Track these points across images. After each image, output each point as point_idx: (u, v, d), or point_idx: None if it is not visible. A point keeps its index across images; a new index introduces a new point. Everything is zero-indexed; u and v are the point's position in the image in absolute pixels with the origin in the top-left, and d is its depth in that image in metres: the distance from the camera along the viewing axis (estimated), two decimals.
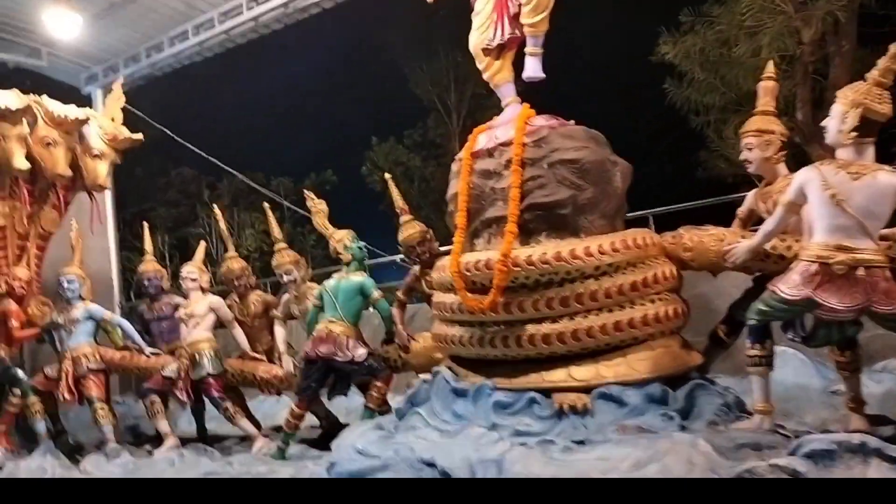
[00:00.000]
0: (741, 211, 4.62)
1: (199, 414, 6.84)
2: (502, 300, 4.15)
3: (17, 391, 6.65)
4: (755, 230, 4.32)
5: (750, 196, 4.55)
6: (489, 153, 4.59)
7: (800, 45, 8.41)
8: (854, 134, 3.45)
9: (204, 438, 6.71)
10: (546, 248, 4.13)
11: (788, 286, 3.56)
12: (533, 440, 3.82)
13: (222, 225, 6.96)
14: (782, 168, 4.31)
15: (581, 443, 3.74)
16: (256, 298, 6.70)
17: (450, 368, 4.64)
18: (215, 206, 7.20)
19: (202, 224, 16.86)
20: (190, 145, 11.43)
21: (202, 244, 7.09)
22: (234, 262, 6.73)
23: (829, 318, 3.61)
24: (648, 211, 6.13)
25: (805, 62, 8.46)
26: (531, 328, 4.15)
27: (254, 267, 7.67)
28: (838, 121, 3.52)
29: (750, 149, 4.32)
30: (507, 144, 4.48)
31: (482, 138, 4.70)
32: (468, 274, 4.31)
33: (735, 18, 8.88)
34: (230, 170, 12.24)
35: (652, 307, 4.18)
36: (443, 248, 5.74)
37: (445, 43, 15.68)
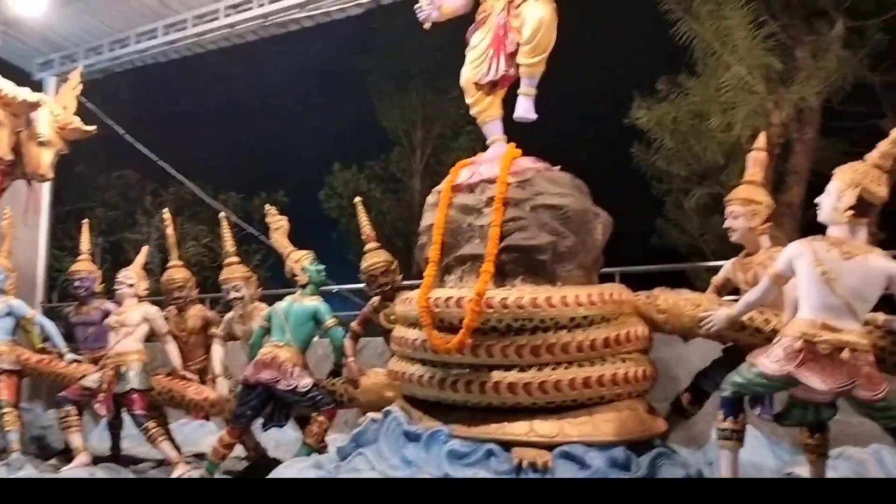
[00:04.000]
0: (717, 279, 4.54)
1: (115, 431, 6.34)
2: (470, 342, 3.92)
3: None
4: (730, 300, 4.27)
5: (728, 265, 4.47)
6: (470, 188, 4.41)
7: (769, 126, 8.61)
8: (849, 213, 3.39)
9: (117, 458, 6.21)
10: (522, 293, 3.93)
11: (770, 361, 3.43)
12: None
13: (170, 231, 6.54)
14: (765, 240, 4.25)
15: None
16: (196, 313, 6.33)
17: (402, 409, 4.35)
18: (166, 210, 6.78)
19: (140, 231, 16.17)
20: (141, 147, 10.97)
21: (145, 249, 6.65)
22: (177, 272, 6.36)
23: (806, 398, 3.52)
24: (616, 269, 6.05)
25: (772, 144, 8.66)
26: (497, 375, 3.92)
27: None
28: (834, 198, 3.45)
29: (735, 217, 4.25)
30: (490, 182, 4.31)
31: (464, 172, 4.53)
32: (437, 310, 4.08)
33: (710, 93, 9.08)
34: (180, 177, 11.79)
35: (622, 366, 4.01)
36: (406, 282, 5.53)
37: (418, 80, 15.70)
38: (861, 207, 3.39)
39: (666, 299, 4.26)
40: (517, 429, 3.90)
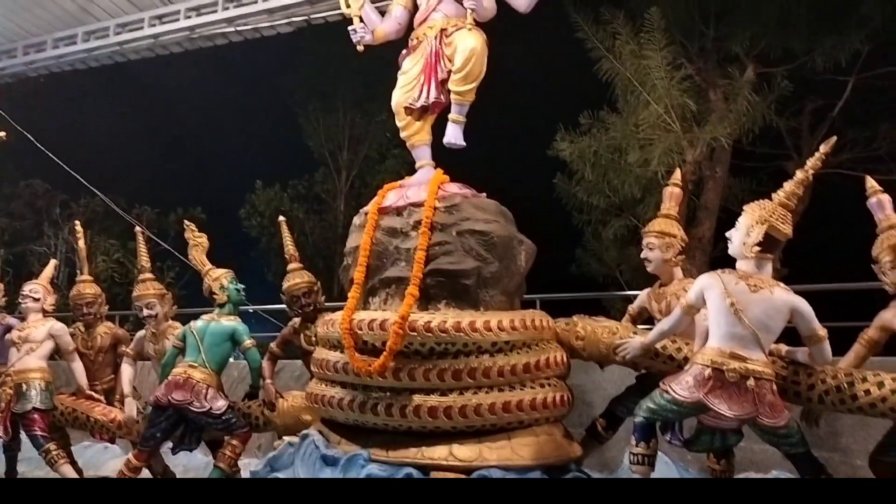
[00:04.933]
0: (633, 308, 4.69)
1: (11, 453, 5.96)
2: (393, 365, 3.90)
3: None
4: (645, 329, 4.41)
5: (643, 295, 4.63)
6: (398, 211, 4.43)
7: (683, 163, 9.02)
8: (757, 248, 3.58)
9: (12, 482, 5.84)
10: (446, 317, 3.95)
11: (681, 387, 3.56)
12: None
13: (81, 244, 6.26)
14: (678, 271, 4.42)
15: None
16: (105, 330, 6.06)
17: (321, 432, 4.29)
18: (77, 223, 6.49)
19: (47, 243, 15.40)
20: (52, 156, 10.51)
21: (52, 262, 6.35)
22: (86, 287, 6.08)
23: (714, 424, 3.66)
24: (537, 295, 6.17)
25: (686, 180, 9.06)
26: (418, 398, 3.91)
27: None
28: (743, 233, 3.64)
29: (651, 248, 4.41)
30: (417, 205, 4.34)
31: (391, 195, 4.54)
32: (360, 332, 4.05)
33: (629, 129, 9.44)
34: (92, 189, 11.34)
35: (541, 391, 4.07)
36: (327, 304, 5.47)
37: (346, 101, 15.65)
38: (768, 243, 3.59)
39: (584, 326, 4.38)
40: (436, 453, 3.90)
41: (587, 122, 10.03)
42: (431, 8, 4.66)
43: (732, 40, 9.83)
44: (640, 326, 4.56)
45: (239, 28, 8.35)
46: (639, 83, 9.40)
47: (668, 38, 9.24)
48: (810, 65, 9.68)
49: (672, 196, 4.59)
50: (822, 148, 3.70)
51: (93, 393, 5.74)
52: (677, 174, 4.71)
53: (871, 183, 3.94)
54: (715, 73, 9.98)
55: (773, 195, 3.69)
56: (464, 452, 3.90)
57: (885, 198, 3.88)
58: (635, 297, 4.76)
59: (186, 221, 5.70)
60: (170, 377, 4.98)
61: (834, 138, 3.81)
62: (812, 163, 3.70)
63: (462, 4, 4.53)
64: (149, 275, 5.76)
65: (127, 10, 8.72)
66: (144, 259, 5.86)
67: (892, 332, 3.79)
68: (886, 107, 10.13)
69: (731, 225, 3.75)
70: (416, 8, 4.79)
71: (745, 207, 3.72)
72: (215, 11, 8.28)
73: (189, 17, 8.44)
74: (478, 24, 4.53)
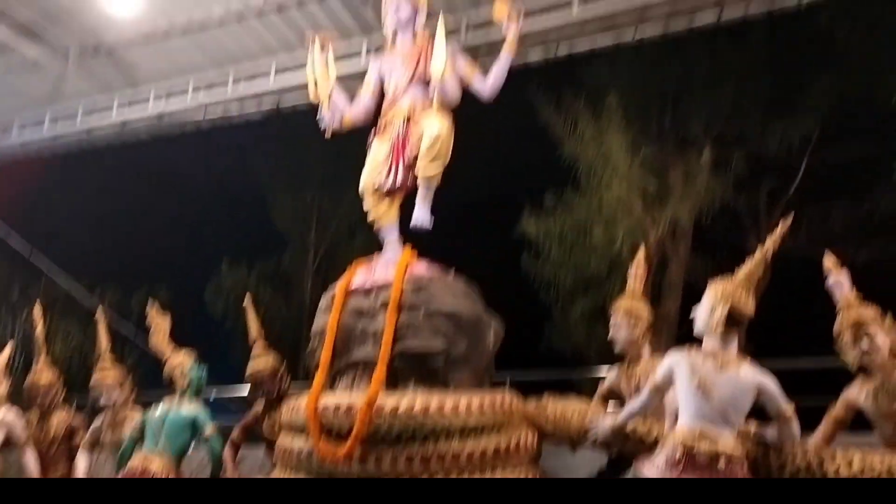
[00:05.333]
0: (602, 388, 4.66)
1: None
2: (359, 451, 3.80)
3: None
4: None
5: (612, 374, 4.61)
6: (365, 292, 4.40)
7: (646, 241, 9.20)
8: (721, 326, 3.60)
9: None
10: (414, 400, 3.88)
11: (653, 469, 3.51)
12: None
13: (40, 329, 6.11)
14: (647, 349, 4.43)
15: None
16: (61, 419, 5.83)
17: None
18: (37, 307, 6.33)
19: (3, 325, 14.95)
20: (15, 234, 10.36)
21: (8, 347, 6.16)
22: (42, 375, 5.90)
23: None
24: (507, 372, 6.10)
25: (649, 258, 9.20)
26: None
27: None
28: (707, 311, 3.67)
29: (618, 328, 4.43)
30: (385, 286, 4.33)
31: (359, 275, 4.53)
32: (325, 417, 3.95)
33: (592, 208, 9.66)
34: (53, 269, 11.16)
35: (511, 475, 3.98)
36: (293, 388, 5.34)
37: (314, 181, 15.75)
38: (732, 320, 3.62)
39: (554, 408, 4.32)
40: None
41: (552, 201, 10.23)
42: (399, 93, 4.78)
43: (689, 123, 10.22)
44: (610, 406, 4.52)
45: (209, 117, 8.44)
46: (601, 164, 9.67)
47: (627, 121, 9.57)
48: (765, 147, 10.07)
49: (637, 274, 4.64)
50: (780, 226, 3.79)
51: None
52: (641, 252, 4.78)
53: (829, 262, 4.02)
54: (674, 154, 10.31)
55: (736, 272, 3.75)
56: None
57: (844, 276, 3.96)
58: (605, 374, 4.74)
59: (150, 304, 5.59)
60: (126, 468, 4.79)
61: (791, 217, 3.91)
62: (770, 241, 3.78)
63: (428, 90, 4.66)
64: (108, 360, 5.61)
65: (96, 99, 8.78)
66: (104, 343, 5.71)
67: (857, 408, 3.81)
68: (839, 185, 10.52)
69: (696, 301, 3.78)
70: (383, 94, 4.91)
71: (709, 285, 3.76)
72: (185, 100, 8.35)
73: (158, 105, 8.49)
74: (444, 108, 4.65)
